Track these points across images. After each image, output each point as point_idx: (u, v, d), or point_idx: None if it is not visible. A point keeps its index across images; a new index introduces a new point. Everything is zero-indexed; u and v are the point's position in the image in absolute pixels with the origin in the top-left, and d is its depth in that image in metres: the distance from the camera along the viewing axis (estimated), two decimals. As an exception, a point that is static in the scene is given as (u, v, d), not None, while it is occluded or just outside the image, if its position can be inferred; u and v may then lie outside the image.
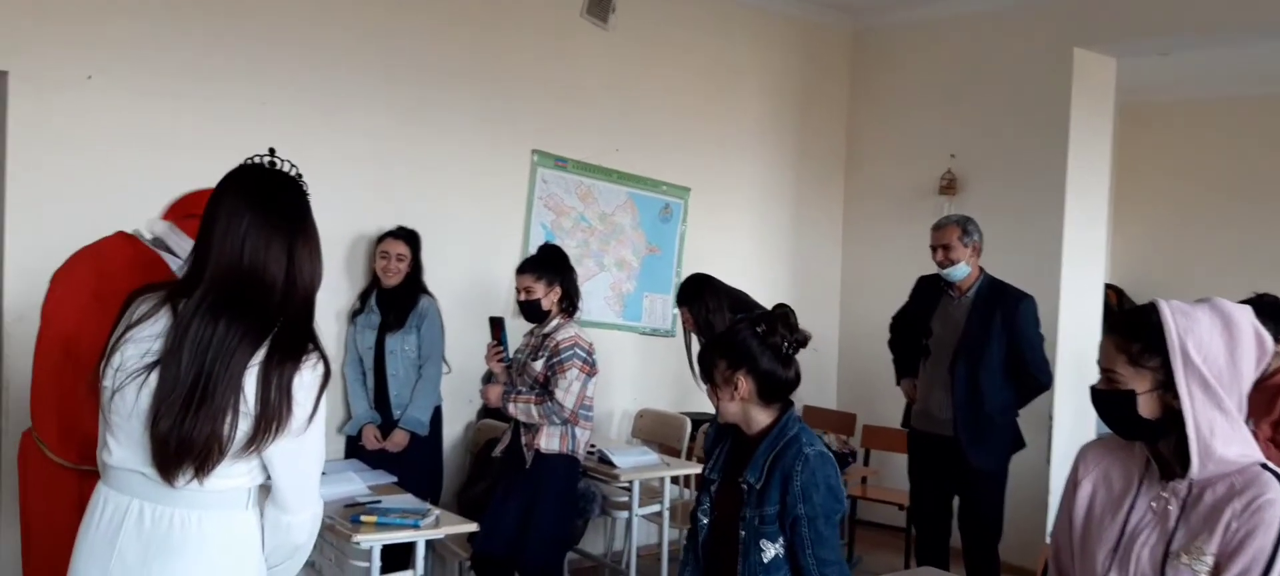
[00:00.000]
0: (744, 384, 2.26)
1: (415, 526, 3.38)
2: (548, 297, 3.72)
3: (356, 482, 3.84)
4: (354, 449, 4.27)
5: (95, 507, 1.86)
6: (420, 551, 3.43)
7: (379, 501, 3.66)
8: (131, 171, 3.72)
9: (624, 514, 4.35)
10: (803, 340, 2.30)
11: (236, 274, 1.77)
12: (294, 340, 1.79)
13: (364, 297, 4.30)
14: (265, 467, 1.83)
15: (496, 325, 3.84)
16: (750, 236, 5.93)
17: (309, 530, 1.94)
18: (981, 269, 4.26)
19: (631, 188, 5.32)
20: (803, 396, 6.06)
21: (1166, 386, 1.76)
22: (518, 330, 3.94)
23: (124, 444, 1.79)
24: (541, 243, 4.27)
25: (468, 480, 4.53)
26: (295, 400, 1.76)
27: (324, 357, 1.84)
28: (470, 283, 4.70)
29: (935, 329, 4.28)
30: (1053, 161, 5.32)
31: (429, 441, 4.24)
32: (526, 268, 3.77)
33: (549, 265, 3.77)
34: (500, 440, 3.94)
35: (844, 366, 6.44)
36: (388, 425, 4.20)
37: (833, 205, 6.43)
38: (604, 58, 5.17)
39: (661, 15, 5.39)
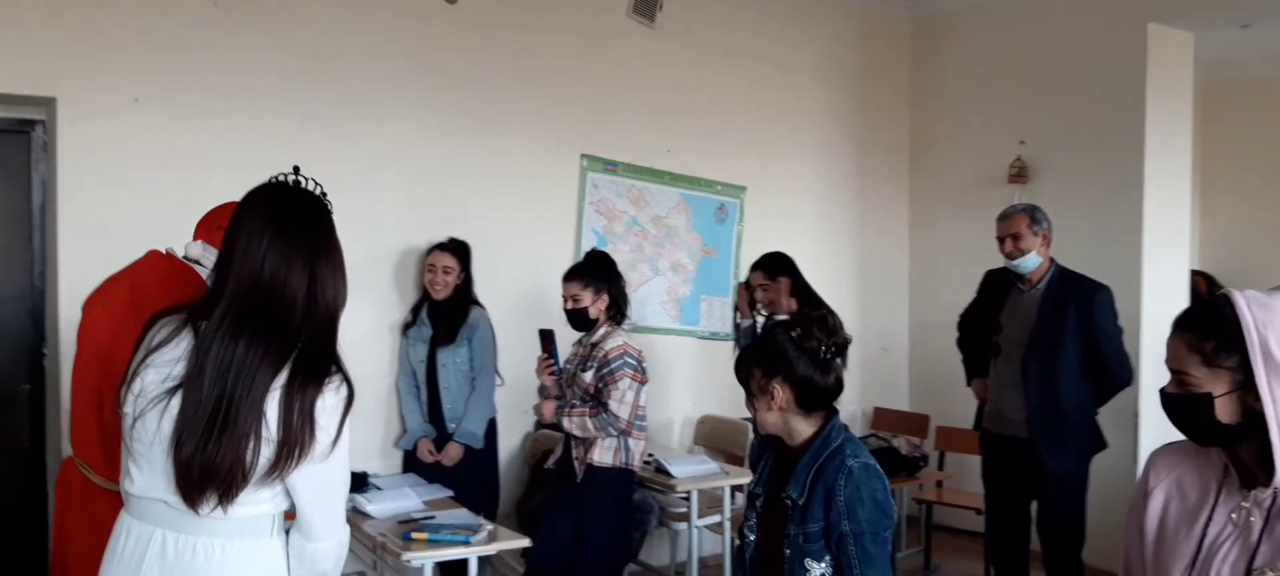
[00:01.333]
0: (781, 392, 2.12)
1: (466, 543, 3.32)
2: (595, 305, 3.63)
3: (412, 498, 3.81)
4: (411, 463, 4.23)
5: (118, 538, 1.83)
6: (473, 568, 3.37)
7: (433, 517, 3.61)
8: (178, 192, 3.72)
9: (683, 525, 4.22)
10: (842, 344, 2.15)
11: (257, 292, 1.73)
12: (316, 362, 1.74)
13: (415, 311, 4.26)
14: (289, 494, 1.78)
15: (546, 337, 3.76)
16: (811, 233, 5.75)
17: (335, 557, 1.88)
18: (1052, 259, 4.03)
19: (685, 189, 5.19)
20: (872, 398, 5.98)
21: (1247, 386, 1.58)
22: (568, 338, 3.85)
23: (146, 472, 1.76)
24: (593, 248, 4.18)
25: (526, 492, 4.47)
26: (318, 425, 1.72)
27: (347, 380, 1.78)
28: (522, 292, 4.64)
29: (1005, 324, 4.06)
30: (1129, 144, 5.04)
31: (484, 454, 4.18)
32: (573, 275, 3.68)
33: (596, 272, 3.68)
34: (553, 451, 3.85)
35: (915, 365, 6.22)
36: (442, 438, 4.15)
37: (898, 199, 6.22)
38: (652, 57, 5.06)
39: (710, 12, 5.26)
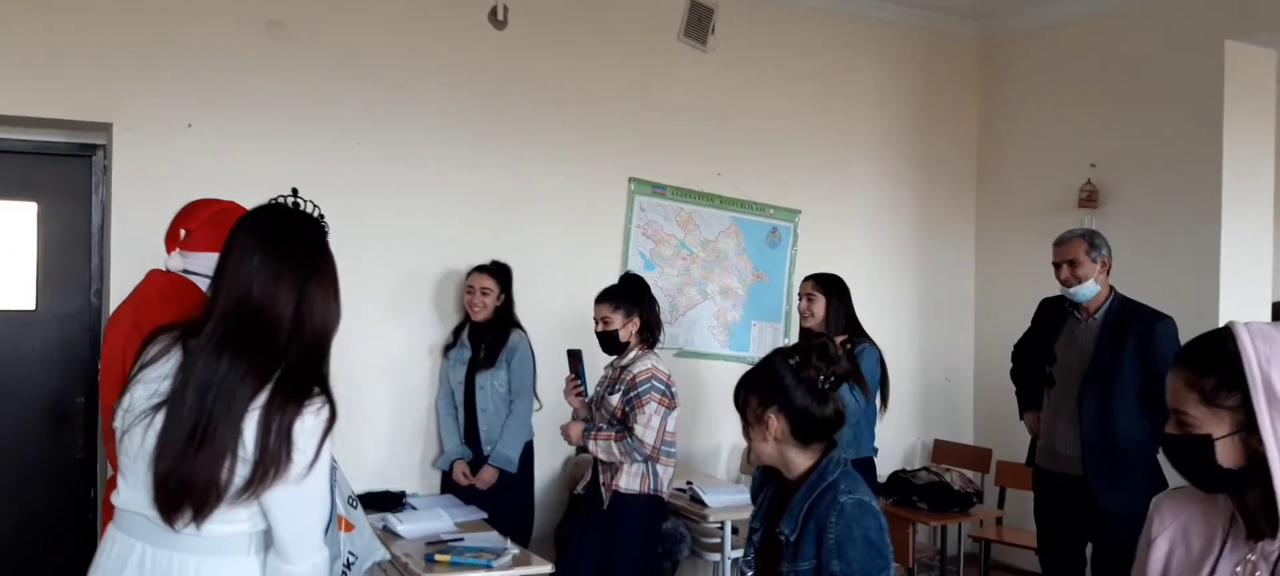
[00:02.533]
0: (775, 422, 2.05)
1: (488, 567, 3.31)
2: (626, 329, 3.58)
3: (445, 519, 3.82)
4: (449, 484, 4.24)
5: (104, 549, 1.87)
6: (494, 592, 3.35)
7: (462, 538, 3.61)
8: (227, 214, 3.84)
9: (717, 555, 4.13)
10: (842, 374, 2.06)
11: (244, 311, 1.75)
12: (299, 383, 1.74)
13: (456, 333, 4.29)
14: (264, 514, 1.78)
15: (574, 358, 3.73)
16: (870, 258, 5.61)
17: None
18: (1112, 288, 3.83)
19: (735, 212, 5.12)
20: (933, 429, 5.78)
21: (1250, 427, 1.45)
22: (598, 360, 3.82)
23: (131, 486, 1.79)
24: (627, 271, 4.14)
25: (564, 517, 4.43)
26: (295, 446, 1.71)
27: (330, 402, 1.77)
28: (566, 315, 4.62)
29: (1060, 355, 3.87)
30: (1206, 166, 4.78)
31: (519, 478, 4.16)
32: (605, 297, 3.64)
33: (629, 295, 3.64)
34: (584, 476, 3.81)
35: (980, 397, 5.99)
36: (479, 460, 4.15)
37: (964, 223, 6.02)
38: (703, 80, 5.02)
39: (765, 35, 5.20)
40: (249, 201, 3.90)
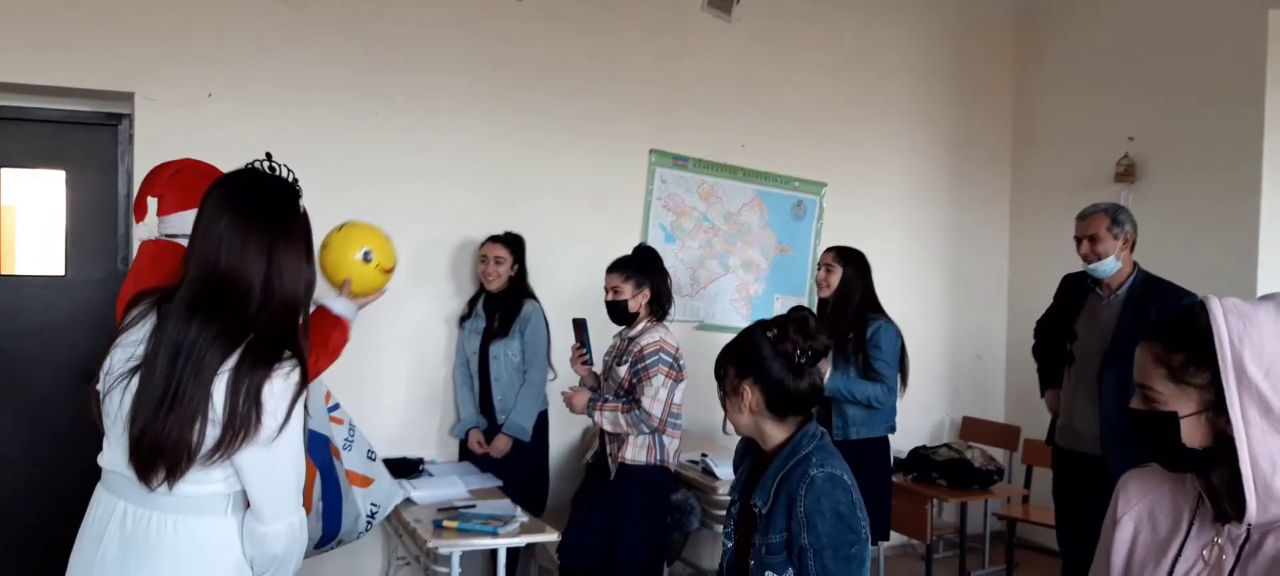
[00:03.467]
0: (750, 394, 2.03)
1: (494, 533, 3.34)
2: (636, 299, 3.57)
3: (459, 486, 3.87)
4: (466, 451, 4.29)
5: (92, 507, 1.92)
6: (501, 558, 3.38)
7: (473, 505, 3.65)
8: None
9: (728, 528, 4.12)
10: (819, 349, 2.03)
11: (213, 276, 1.77)
12: (268, 347, 1.76)
13: (471, 303, 4.32)
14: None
15: (579, 326, 3.72)
16: (899, 234, 5.54)
17: (285, 541, 1.90)
18: (1136, 264, 3.73)
19: (759, 185, 5.08)
20: (962, 406, 5.70)
21: (1218, 408, 1.40)
22: (604, 329, 3.81)
23: (113, 447, 1.84)
24: (640, 243, 4.12)
25: (580, 487, 4.45)
26: (265, 409, 1.74)
27: (301, 365, 1.79)
28: (586, 287, 4.61)
29: (1081, 333, 3.79)
30: (1247, 139, 4.62)
31: (533, 447, 4.19)
32: (617, 267, 3.62)
33: (640, 266, 3.61)
34: (592, 446, 3.82)
35: (1012, 376, 5.89)
36: (494, 429, 4.19)
37: (998, 199, 5.91)
38: (727, 51, 4.97)
39: (790, 6, 5.13)
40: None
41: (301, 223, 1.88)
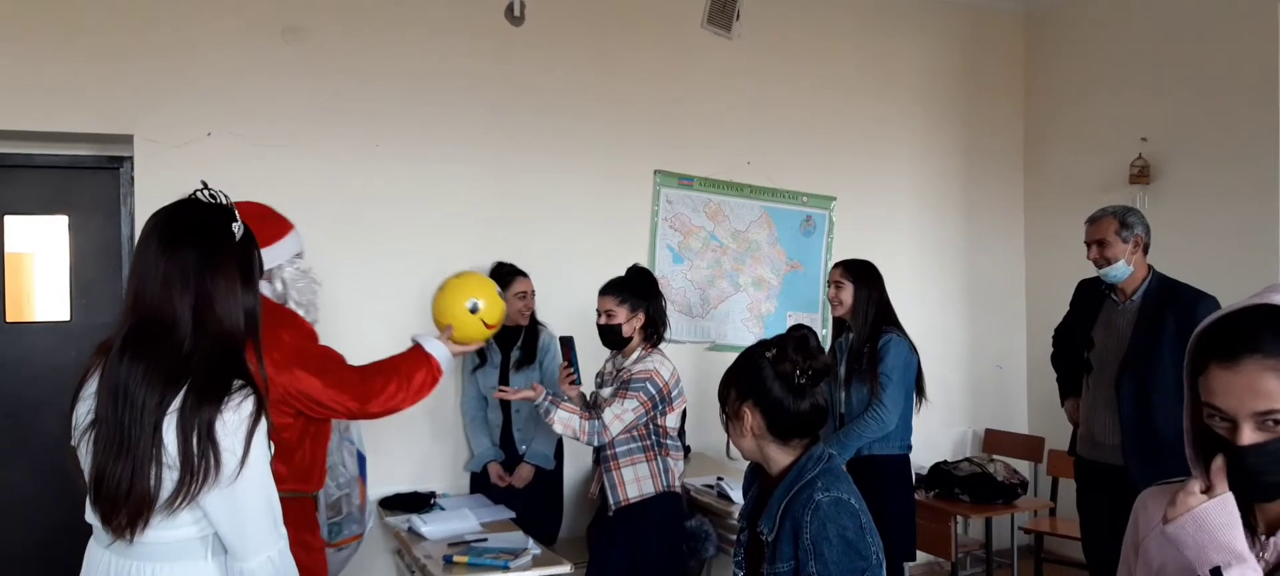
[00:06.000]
0: (751, 416, 1.96)
1: (505, 568, 3.28)
2: (629, 324, 3.45)
3: (470, 520, 3.80)
4: (477, 485, 4.23)
5: (85, 559, 1.89)
6: (511, 592, 3.32)
7: (485, 539, 3.59)
8: (247, 220, 3.88)
9: (744, 553, 4.03)
10: (820, 368, 1.96)
11: (141, 313, 1.71)
12: (214, 380, 1.68)
13: (482, 353, 4.21)
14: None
15: (566, 344, 3.61)
16: (912, 245, 5.46)
17: (267, 574, 1.84)
18: (1150, 267, 3.64)
19: (767, 201, 5.02)
20: (984, 419, 5.60)
21: None
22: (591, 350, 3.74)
23: (90, 498, 1.79)
24: (668, 264, 4.05)
25: (593, 520, 4.39)
26: (222, 447, 1.67)
27: (255, 392, 1.72)
28: (593, 312, 4.57)
29: (1098, 340, 3.70)
30: (1263, 136, 4.53)
31: (550, 476, 4.14)
32: (610, 289, 3.50)
33: (634, 288, 3.49)
34: (599, 479, 3.74)
35: (1034, 385, 5.78)
36: (512, 461, 4.12)
37: (1011, 205, 5.82)
38: (729, 68, 4.93)
39: (792, 19, 5.08)
40: (272, 205, 3.95)
41: (237, 250, 1.78)
